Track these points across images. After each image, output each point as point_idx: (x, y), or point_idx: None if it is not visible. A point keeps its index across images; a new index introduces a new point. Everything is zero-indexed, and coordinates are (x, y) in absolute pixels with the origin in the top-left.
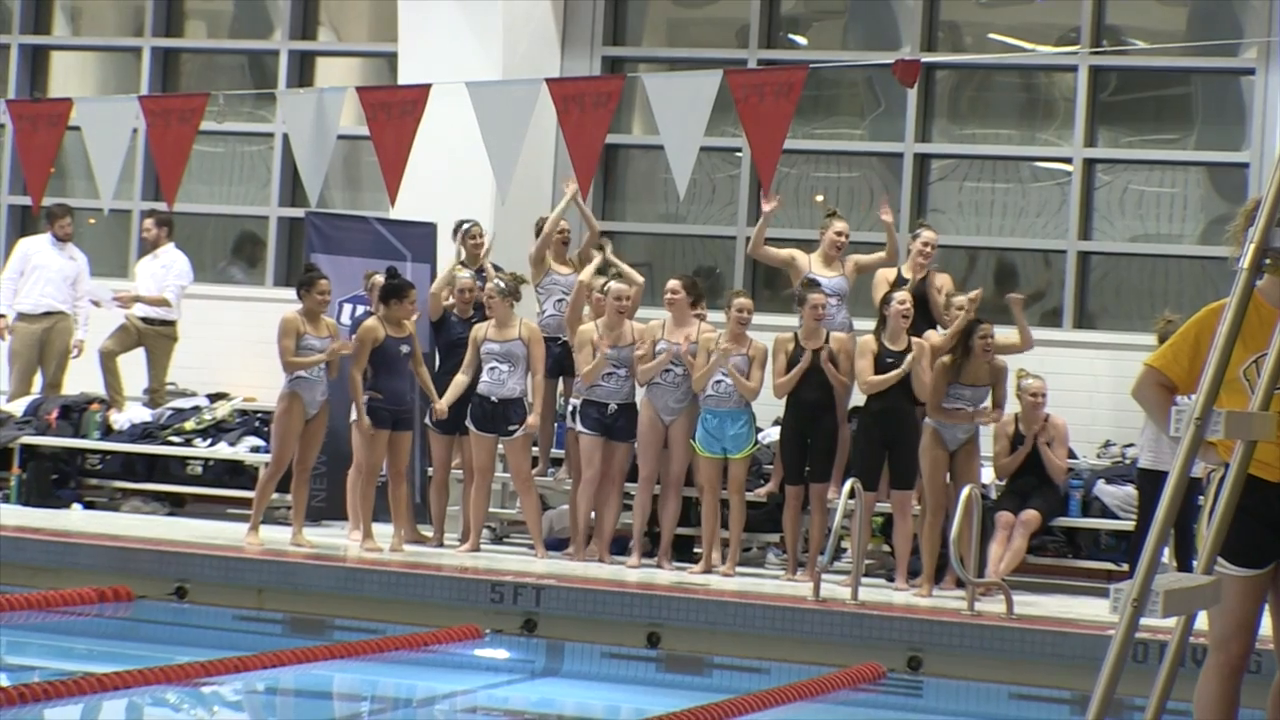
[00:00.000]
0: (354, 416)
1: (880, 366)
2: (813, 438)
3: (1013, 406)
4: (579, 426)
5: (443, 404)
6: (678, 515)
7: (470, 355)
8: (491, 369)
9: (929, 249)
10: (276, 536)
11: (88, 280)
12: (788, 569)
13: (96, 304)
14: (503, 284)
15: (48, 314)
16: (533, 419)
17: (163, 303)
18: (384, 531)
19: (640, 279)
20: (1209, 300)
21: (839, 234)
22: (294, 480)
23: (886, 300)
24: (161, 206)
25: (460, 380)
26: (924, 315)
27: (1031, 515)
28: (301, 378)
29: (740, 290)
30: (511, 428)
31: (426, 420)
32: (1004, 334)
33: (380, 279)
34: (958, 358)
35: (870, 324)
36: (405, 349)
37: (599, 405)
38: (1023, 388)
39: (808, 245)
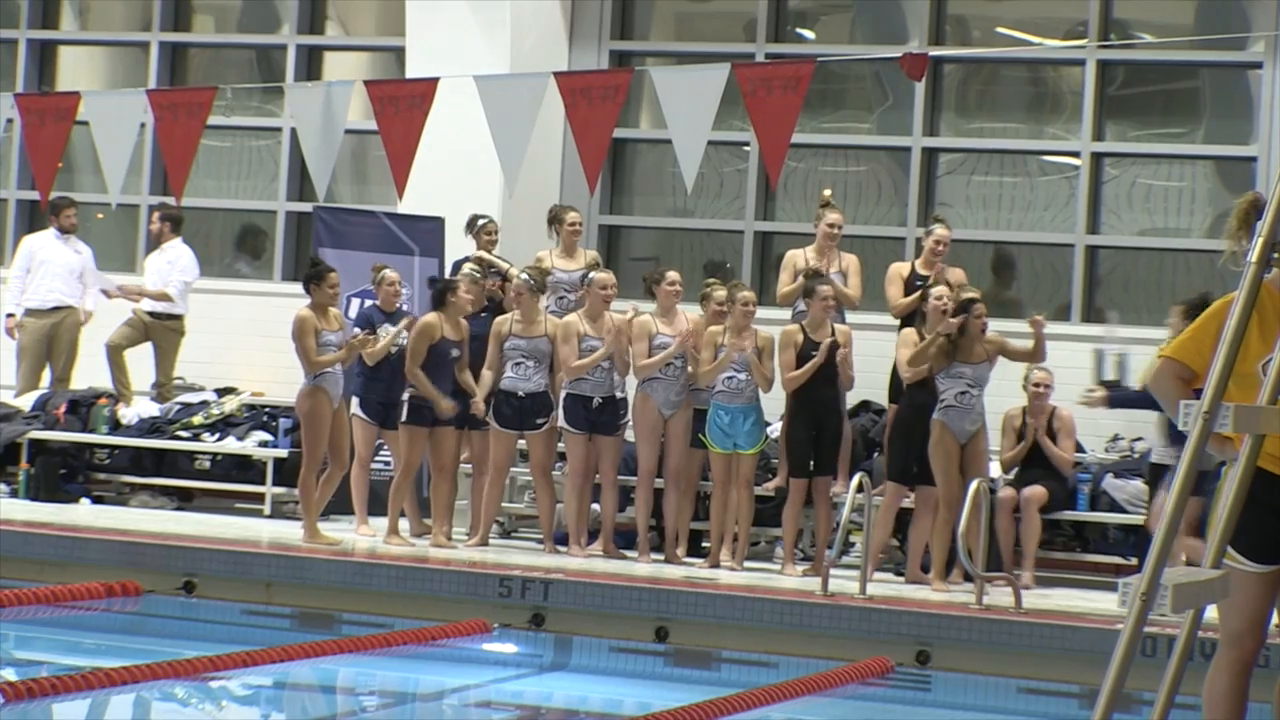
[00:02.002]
0: (355, 409)
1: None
2: (820, 432)
3: (1020, 400)
4: (563, 422)
5: (481, 403)
6: (691, 511)
7: (494, 350)
8: (517, 365)
9: (940, 246)
10: (286, 532)
11: (94, 272)
12: (786, 562)
13: (107, 294)
14: (530, 279)
15: (56, 309)
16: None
17: (164, 297)
18: (383, 526)
19: None
20: (1217, 294)
21: (831, 225)
22: (327, 476)
23: (925, 296)
24: (170, 201)
25: (488, 376)
26: None
27: (1038, 492)
28: (326, 373)
29: (739, 282)
30: (540, 420)
31: None
32: (1019, 341)
33: (390, 273)
34: (954, 337)
35: (874, 318)
36: (456, 353)
37: (584, 399)
38: (1028, 378)
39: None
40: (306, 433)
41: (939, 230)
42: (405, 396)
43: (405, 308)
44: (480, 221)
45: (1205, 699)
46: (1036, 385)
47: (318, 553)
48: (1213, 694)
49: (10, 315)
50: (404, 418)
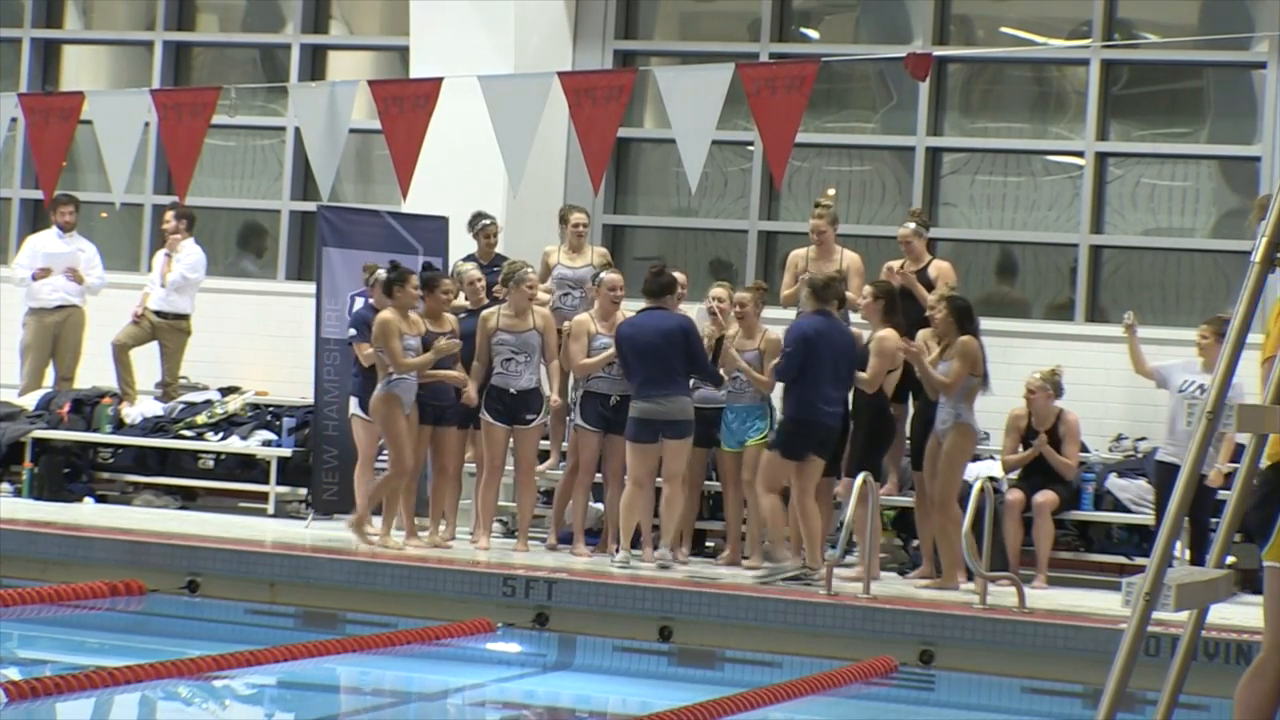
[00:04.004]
0: (354, 409)
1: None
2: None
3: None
4: (578, 420)
5: (472, 392)
6: (696, 510)
7: (482, 342)
8: (507, 361)
9: (902, 245)
10: (289, 531)
11: (100, 268)
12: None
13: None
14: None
15: (60, 308)
16: (555, 397)
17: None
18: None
19: None
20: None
21: (811, 230)
22: (390, 481)
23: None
24: (170, 201)
25: (478, 369)
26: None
27: (1050, 497)
28: (401, 378)
29: (761, 283)
30: (529, 416)
31: None
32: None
33: (384, 273)
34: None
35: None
36: (411, 342)
37: (601, 397)
38: (1027, 384)
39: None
40: (385, 438)
41: (901, 229)
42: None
43: None
44: (482, 224)
45: (1238, 699)
46: (1030, 391)
47: (321, 552)
48: (1248, 696)
49: (45, 270)
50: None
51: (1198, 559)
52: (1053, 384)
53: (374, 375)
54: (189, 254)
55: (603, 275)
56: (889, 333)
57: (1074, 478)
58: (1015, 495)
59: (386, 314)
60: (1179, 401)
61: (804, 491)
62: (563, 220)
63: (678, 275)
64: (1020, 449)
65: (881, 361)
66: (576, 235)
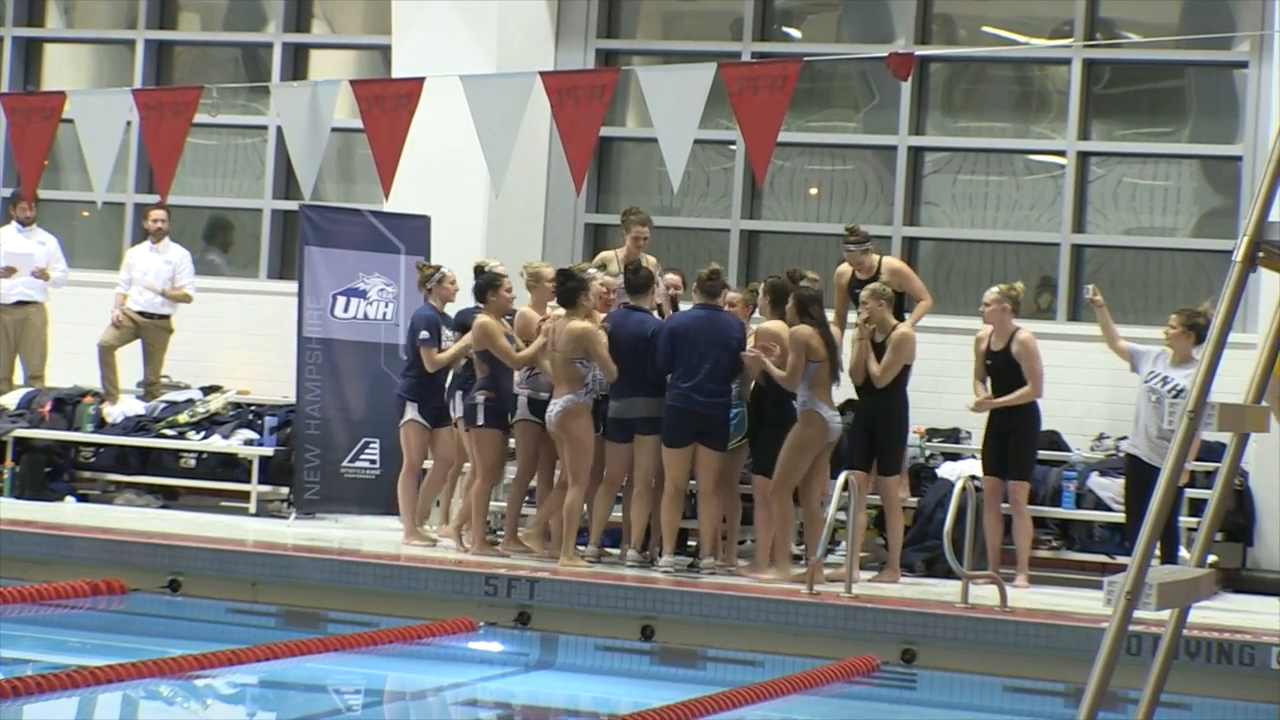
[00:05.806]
0: (412, 414)
1: None
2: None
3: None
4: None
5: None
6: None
7: (543, 342)
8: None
9: (851, 265)
10: (271, 529)
11: (62, 261)
12: (777, 561)
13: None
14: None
15: (20, 304)
16: None
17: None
18: (395, 525)
19: None
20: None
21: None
22: (572, 500)
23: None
24: (154, 199)
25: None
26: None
27: (1023, 486)
28: (588, 390)
29: (753, 286)
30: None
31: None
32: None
33: (450, 271)
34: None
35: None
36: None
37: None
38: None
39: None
40: (575, 454)
41: (845, 252)
42: (480, 400)
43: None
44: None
45: None
46: (985, 304)
47: (303, 551)
48: None
49: (7, 268)
50: (480, 421)
51: (1164, 556)
52: (1010, 299)
53: (432, 379)
54: (179, 254)
55: (602, 278)
56: (905, 329)
57: (1038, 393)
58: (993, 486)
59: (583, 323)
60: (1142, 393)
61: (674, 476)
62: (624, 225)
63: (671, 276)
64: (985, 371)
65: (897, 355)
66: (636, 246)
